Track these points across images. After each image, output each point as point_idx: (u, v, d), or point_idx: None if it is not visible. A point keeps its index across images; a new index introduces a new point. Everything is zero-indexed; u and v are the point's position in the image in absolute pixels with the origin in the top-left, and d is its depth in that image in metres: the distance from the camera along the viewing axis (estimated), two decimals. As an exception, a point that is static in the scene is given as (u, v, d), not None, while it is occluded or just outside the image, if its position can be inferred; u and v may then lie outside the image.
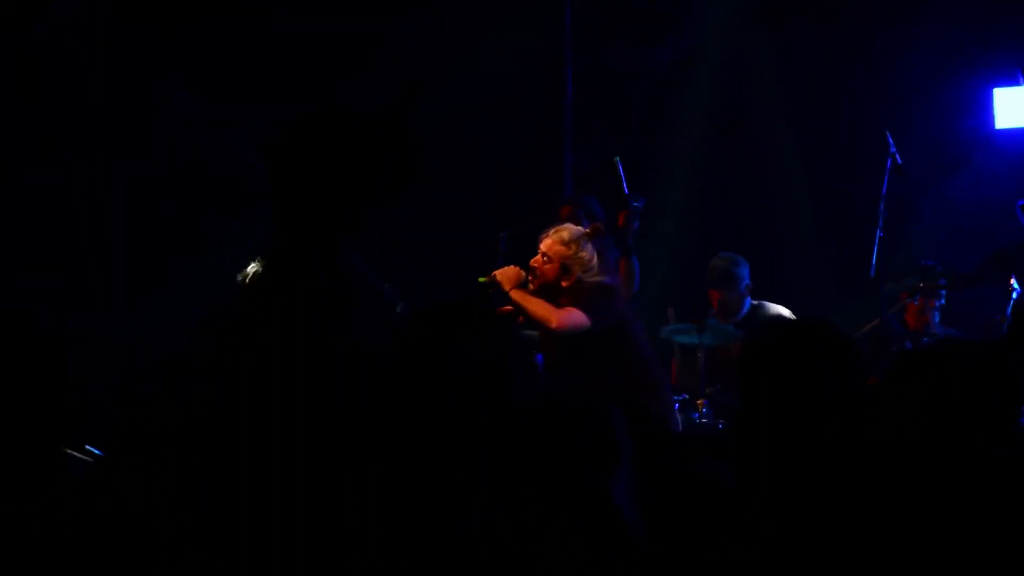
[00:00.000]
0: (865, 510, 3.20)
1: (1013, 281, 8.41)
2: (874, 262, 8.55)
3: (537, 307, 6.88)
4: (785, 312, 8.80)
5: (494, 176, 10.28)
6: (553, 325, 6.83)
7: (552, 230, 7.10)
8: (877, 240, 8.55)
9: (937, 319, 8.92)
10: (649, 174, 10.15)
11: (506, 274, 7.00)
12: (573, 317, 6.84)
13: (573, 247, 7.02)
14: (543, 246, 7.05)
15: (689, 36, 10.75)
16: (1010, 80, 9.32)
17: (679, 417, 8.13)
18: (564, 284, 6.98)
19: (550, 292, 6.98)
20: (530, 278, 7.01)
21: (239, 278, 3.64)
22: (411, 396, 3.41)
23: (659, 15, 10.66)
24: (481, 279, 7.08)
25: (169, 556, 3.23)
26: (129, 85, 9.62)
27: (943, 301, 8.89)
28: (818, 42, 10.42)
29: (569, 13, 10.27)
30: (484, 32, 10.37)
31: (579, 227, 7.23)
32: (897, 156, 8.67)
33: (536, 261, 7.02)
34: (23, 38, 9.31)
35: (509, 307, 7.00)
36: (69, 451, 3.69)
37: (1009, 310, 8.40)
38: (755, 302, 8.89)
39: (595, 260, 7.06)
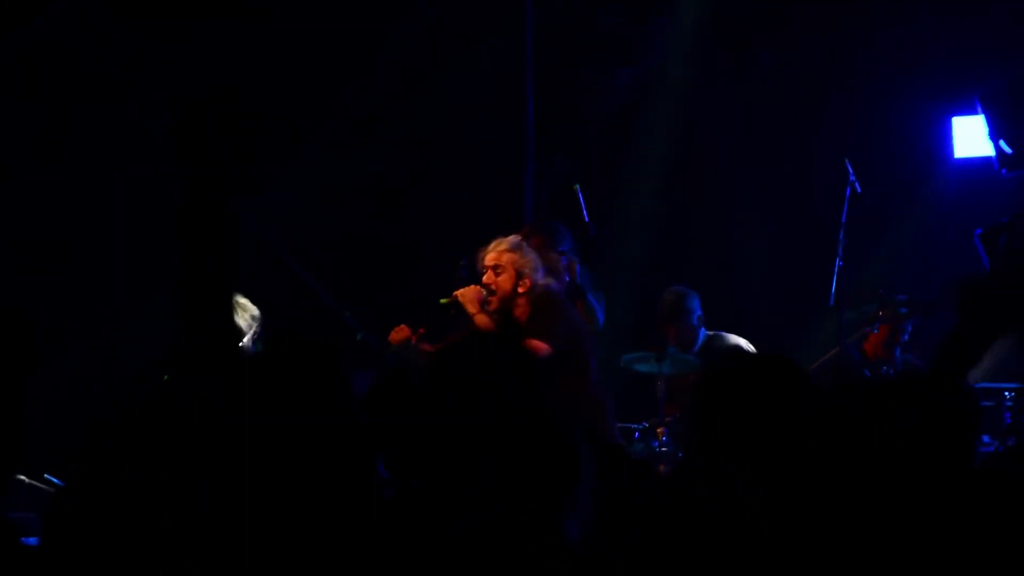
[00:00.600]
0: (816, 538, 3.19)
1: (972, 310, 8.43)
2: (833, 290, 8.55)
3: None
4: (742, 342, 8.81)
5: (454, 200, 10.24)
6: None
7: (491, 245, 7.05)
8: (836, 268, 8.55)
9: (899, 350, 8.93)
10: (609, 199, 10.15)
11: (467, 295, 6.98)
12: (536, 351, 6.79)
13: (519, 251, 7.05)
14: (489, 259, 7.04)
15: (650, 60, 10.76)
16: (968, 109, 9.34)
17: (636, 446, 8.13)
18: (521, 290, 6.96)
19: (509, 303, 6.94)
20: (488, 299, 6.96)
21: None
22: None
23: (620, 39, 10.66)
24: (443, 300, 7.05)
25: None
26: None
27: (907, 334, 8.89)
28: (777, 69, 10.44)
29: (530, 36, 10.25)
30: (446, 55, 10.34)
31: (516, 237, 7.21)
32: (856, 184, 8.69)
33: (488, 277, 6.99)
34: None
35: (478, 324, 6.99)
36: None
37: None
38: (711, 332, 8.89)
39: (538, 259, 7.08)
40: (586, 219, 8.85)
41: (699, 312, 8.86)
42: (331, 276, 9.55)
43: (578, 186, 8.92)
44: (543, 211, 9.56)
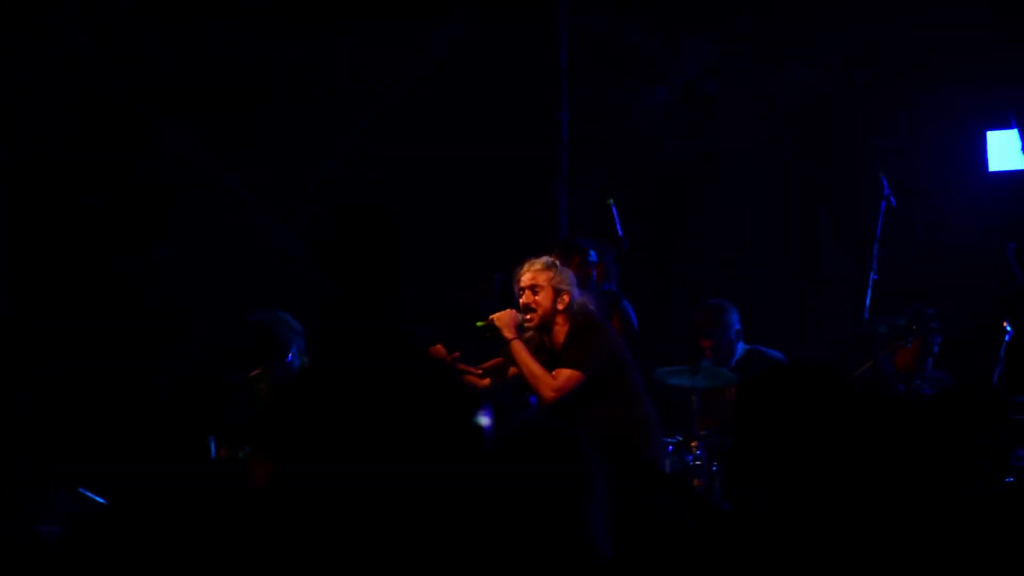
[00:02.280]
0: (857, 556, 3.20)
1: (1006, 324, 8.43)
2: (868, 304, 8.55)
3: (535, 369, 6.90)
4: (779, 357, 8.81)
5: (488, 217, 10.29)
6: (548, 398, 6.86)
7: (524, 266, 7.12)
8: (871, 282, 8.56)
9: (930, 363, 8.91)
10: (642, 215, 10.18)
11: (503, 319, 7.01)
12: (568, 383, 6.88)
13: (554, 269, 7.09)
14: (526, 280, 7.07)
15: (683, 77, 10.78)
16: (1003, 123, 9.34)
17: (670, 459, 8.14)
18: (560, 307, 7.01)
19: (550, 320, 7.01)
20: (527, 317, 7.01)
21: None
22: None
23: (652, 56, 10.69)
24: (479, 323, 7.07)
25: None
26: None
27: (936, 347, 8.88)
28: (812, 84, 10.44)
29: (564, 53, 10.31)
30: (480, 72, 10.40)
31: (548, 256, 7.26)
32: (891, 198, 8.70)
33: (527, 298, 7.02)
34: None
35: (499, 359, 7.05)
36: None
37: (1002, 352, 8.41)
38: (749, 347, 8.89)
39: (573, 279, 7.13)
40: (620, 234, 8.90)
41: (737, 326, 8.87)
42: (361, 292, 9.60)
43: (612, 201, 8.97)
44: (577, 227, 9.61)
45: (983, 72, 9.90)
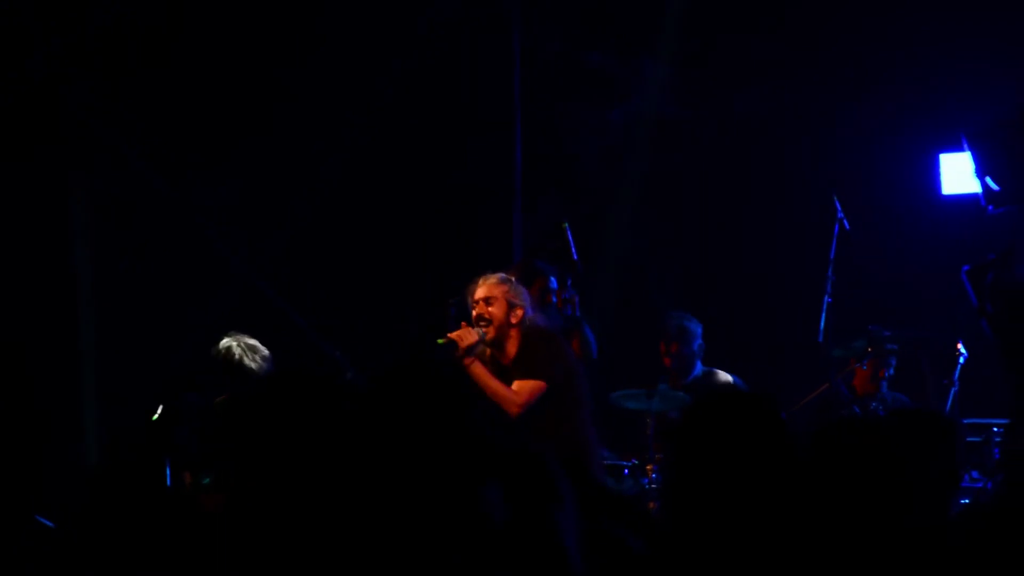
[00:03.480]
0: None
1: (960, 346, 8.47)
2: (822, 327, 8.57)
3: (497, 388, 6.93)
4: (735, 380, 8.82)
5: (443, 240, 10.26)
6: (515, 411, 6.87)
7: (479, 280, 7.15)
8: (825, 305, 8.57)
9: (885, 385, 8.94)
10: (597, 237, 10.18)
11: (463, 336, 7.02)
12: (532, 393, 6.92)
13: (508, 284, 7.15)
14: (480, 293, 7.10)
15: (638, 99, 10.79)
16: (955, 146, 9.38)
17: (626, 482, 8.13)
18: (513, 320, 7.04)
19: (504, 332, 7.02)
20: (483, 326, 7.00)
21: None
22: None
23: (607, 78, 10.70)
24: (440, 341, 7.07)
25: None
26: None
27: (892, 370, 8.92)
28: (766, 107, 10.47)
29: (517, 77, 10.31)
30: (434, 93, 10.38)
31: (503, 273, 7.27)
32: (845, 222, 8.73)
33: (480, 309, 7.04)
34: None
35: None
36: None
37: (956, 375, 8.45)
38: (706, 368, 8.91)
39: (528, 296, 7.19)
40: (575, 257, 8.89)
41: (700, 340, 8.92)
42: (320, 316, 9.57)
43: (567, 224, 8.97)
44: (532, 249, 9.59)
45: (936, 95, 9.95)
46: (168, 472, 6.57)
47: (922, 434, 4.13)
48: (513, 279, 7.23)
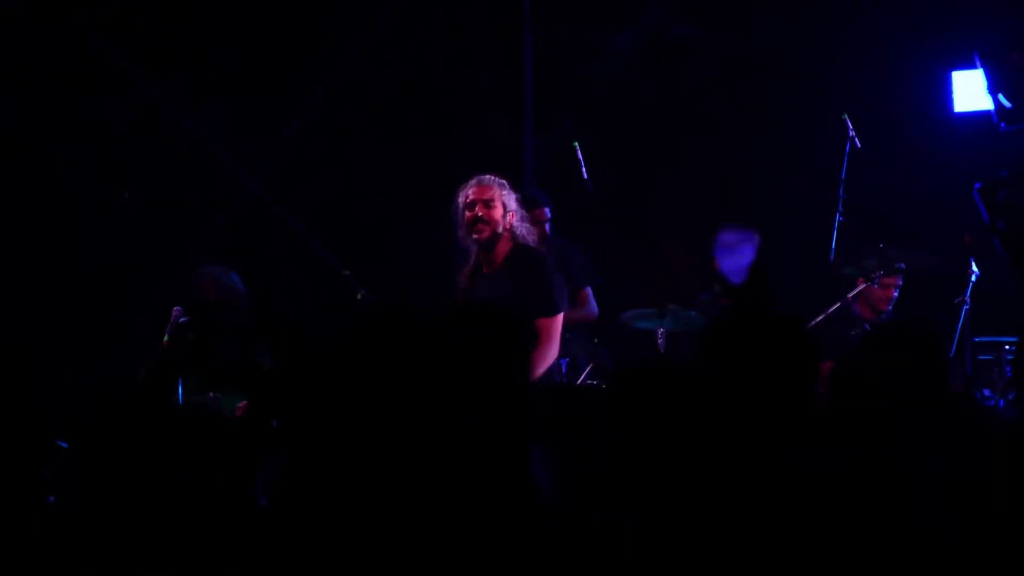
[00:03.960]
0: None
1: (972, 264, 8.46)
2: (834, 246, 8.56)
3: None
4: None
5: (452, 163, 10.25)
6: (551, 353, 6.77)
7: (472, 181, 7.00)
8: (836, 224, 8.57)
9: (891, 307, 8.95)
10: (608, 159, 10.15)
11: None
12: (555, 330, 6.78)
13: (504, 187, 6.98)
14: (477, 193, 6.92)
15: (649, 20, 10.73)
16: (968, 64, 9.33)
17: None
18: (507, 225, 6.89)
19: (496, 239, 6.89)
20: (479, 227, 6.88)
21: None
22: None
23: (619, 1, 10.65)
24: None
25: None
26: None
27: (898, 291, 8.90)
28: (776, 26, 10.41)
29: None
30: (444, 19, 10.34)
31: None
32: (856, 140, 8.70)
33: (479, 210, 6.89)
34: None
35: None
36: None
37: (968, 293, 8.45)
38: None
39: (519, 205, 7.02)
40: (585, 177, 8.88)
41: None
42: (329, 239, 9.60)
43: (577, 144, 8.95)
44: (543, 172, 9.59)
45: (947, 12, 9.88)
46: (180, 389, 6.67)
47: (907, 345, 4.09)
48: (506, 183, 7.09)
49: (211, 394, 6.76)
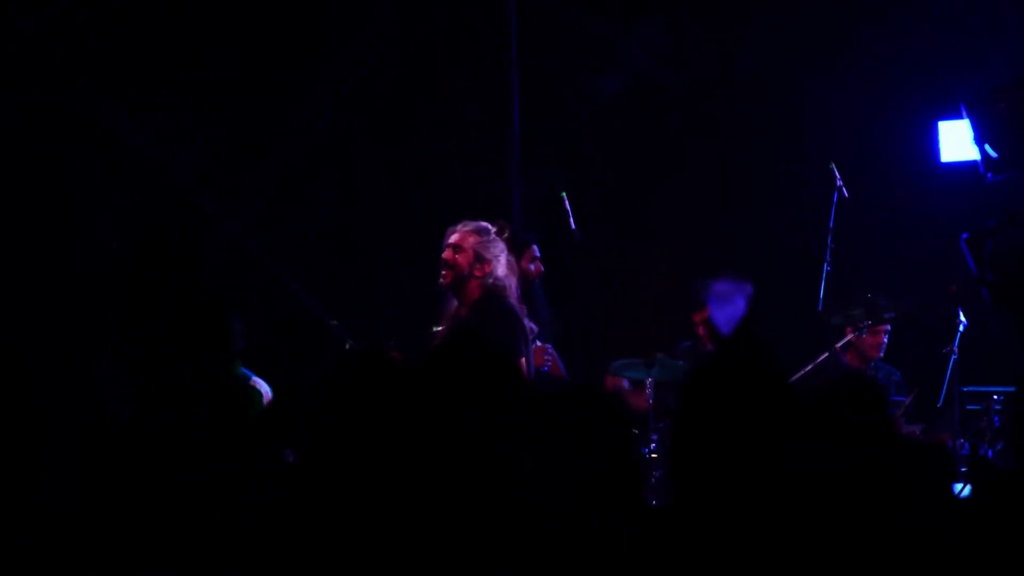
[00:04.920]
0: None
1: (960, 314, 8.46)
2: (822, 295, 8.56)
3: None
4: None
5: (441, 211, 10.25)
6: None
7: (460, 225, 6.98)
8: (824, 273, 8.57)
9: (881, 355, 8.95)
10: (595, 206, 10.16)
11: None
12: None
13: (484, 236, 6.92)
14: (452, 238, 6.91)
15: (635, 65, 10.75)
16: (954, 114, 9.36)
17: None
18: (477, 273, 6.84)
19: (461, 283, 6.85)
20: (443, 273, 6.87)
21: None
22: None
23: (604, 44, 10.67)
24: (436, 328, 6.98)
25: None
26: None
27: (886, 338, 8.90)
28: (765, 76, 10.44)
29: (514, 42, 10.26)
30: (432, 63, 10.35)
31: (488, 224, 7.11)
32: (843, 189, 8.71)
33: (447, 254, 6.88)
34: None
35: None
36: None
37: (956, 343, 8.45)
38: (715, 339, 8.87)
39: (504, 256, 6.95)
40: (572, 226, 8.89)
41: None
42: (317, 286, 9.57)
43: (565, 194, 8.96)
44: (529, 219, 9.58)
45: (934, 63, 9.92)
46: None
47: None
48: (493, 232, 7.02)
49: None
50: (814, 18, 10.32)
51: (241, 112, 9.90)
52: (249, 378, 7.42)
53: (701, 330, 8.83)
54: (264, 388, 7.45)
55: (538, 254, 8.40)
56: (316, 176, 10.21)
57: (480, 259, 6.85)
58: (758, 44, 10.46)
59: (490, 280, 6.85)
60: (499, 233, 7.15)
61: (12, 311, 8.73)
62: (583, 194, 9.43)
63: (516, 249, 8.22)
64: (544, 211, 9.43)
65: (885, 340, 8.90)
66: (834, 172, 8.79)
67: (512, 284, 6.97)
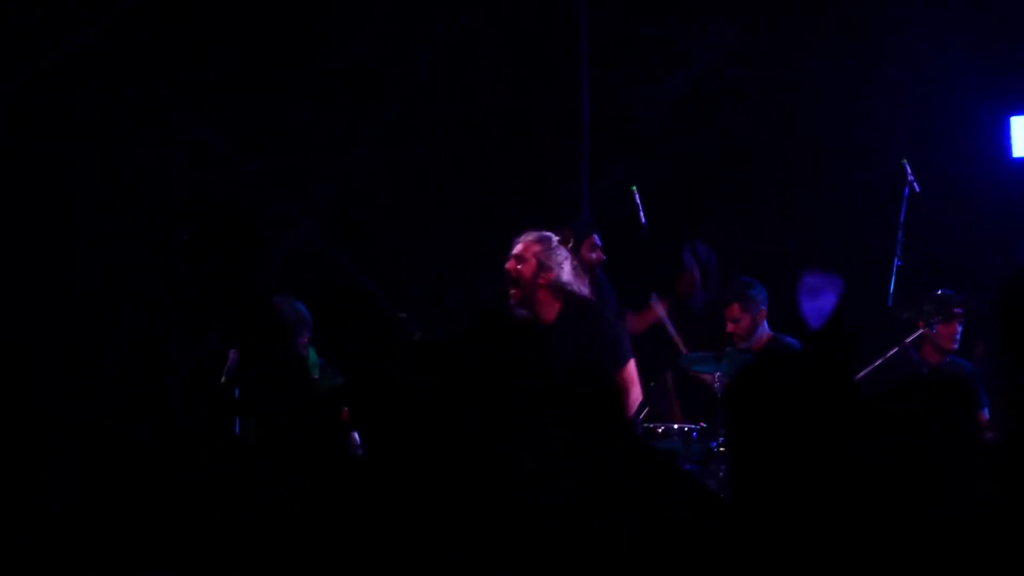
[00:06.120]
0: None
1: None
2: (892, 290, 8.52)
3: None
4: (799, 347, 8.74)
5: (511, 207, 10.30)
6: (636, 400, 6.81)
7: (523, 235, 7.00)
8: (895, 269, 8.53)
9: (957, 346, 8.88)
10: (665, 201, 10.17)
11: None
12: (632, 376, 6.81)
13: (544, 244, 6.93)
14: (515, 249, 6.93)
15: (703, 65, 10.76)
16: (1027, 108, 9.32)
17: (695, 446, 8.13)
18: (541, 282, 6.86)
19: (531, 296, 6.87)
20: (512, 291, 6.90)
21: None
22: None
23: (671, 44, 10.68)
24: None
25: None
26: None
27: (960, 334, 8.82)
28: (834, 71, 10.41)
29: (584, 43, 10.30)
30: (504, 61, 10.40)
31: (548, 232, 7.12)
32: (915, 184, 8.67)
33: (510, 266, 6.92)
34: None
35: None
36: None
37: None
38: (773, 334, 8.83)
39: (568, 263, 6.96)
40: (643, 221, 8.90)
41: (763, 307, 8.78)
42: (389, 281, 9.64)
43: (635, 188, 8.98)
44: (600, 215, 9.62)
45: (1007, 57, 9.86)
46: (237, 426, 6.71)
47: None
48: (554, 240, 7.04)
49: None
50: (884, 14, 10.28)
51: (307, 111, 9.99)
52: (327, 366, 7.51)
53: (730, 327, 8.77)
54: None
55: (599, 243, 8.43)
56: (383, 174, 10.28)
57: (543, 267, 6.88)
58: (827, 41, 10.43)
59: (556, 285, 6.88)
60: (563, 242, 7.18)
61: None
62: (650, 191, 9.44)
63: (577, 239, 8.27)
64: (611, 208, 9.46)
65: (960, 330, 8.80)
66: (905, 167, 8.74)
67: (582, 289, 7.01)
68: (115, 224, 9.52)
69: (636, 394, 6.81)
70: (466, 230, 10.33)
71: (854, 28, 10.34)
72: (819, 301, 7.67)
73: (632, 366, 6.82)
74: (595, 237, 8.44)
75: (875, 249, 9.13)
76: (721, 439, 8.17)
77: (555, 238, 7.06)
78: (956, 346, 8.80)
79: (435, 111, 10.32)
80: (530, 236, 6.98)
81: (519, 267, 6.88)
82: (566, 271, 6.92)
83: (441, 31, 10.23)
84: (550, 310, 6.89)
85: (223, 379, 7.05)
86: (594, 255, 8.34)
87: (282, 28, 9.73)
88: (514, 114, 10.53)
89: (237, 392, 6.95)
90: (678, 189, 10.67)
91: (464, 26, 10.26)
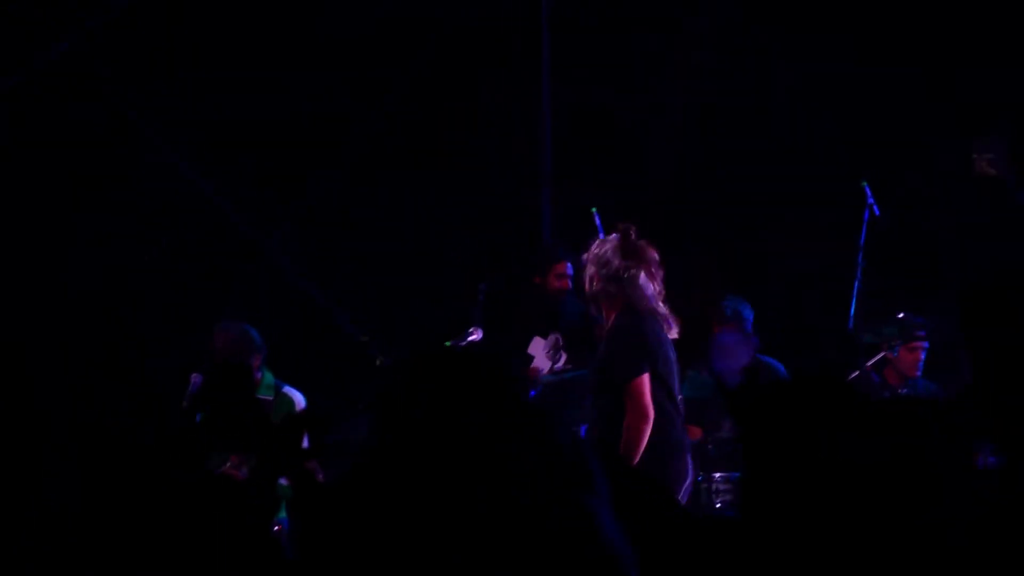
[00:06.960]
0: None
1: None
2: (852, 313, 8.52)
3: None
4: (779, 367, 8.71)
5: (471, 227, 10.27)
6: (647, 418, 6.60)
7: (591, 246, 6.86)
8: (855, 291, 8.53)
9: (920, 372, 8.88)
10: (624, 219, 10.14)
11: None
12: (639, 390, 6.62)
13: (599, 249, 6.82)
14: (585, 261, 6.82)
15: (667, 80, 10.75)
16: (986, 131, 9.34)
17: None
18: (612, 291, 6.71)
19: (598, 307, 6.79)
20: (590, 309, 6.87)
21: None
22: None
23: (637, 59, 10.66)
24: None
25: None
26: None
27: (924, 356, 8.81)
28: (796, 90, 10.41)
29: (546, 60, 10.28)
30: (463, 80, 10.37)
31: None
32: (875, 207, 8.67)
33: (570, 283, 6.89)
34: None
35: None
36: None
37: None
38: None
39: (615, 261, 6.74)
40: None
41: (749, 327, 8.76)
42: (349, 302, 9.59)
43: (595, 209, 8.95)
44: (559, 236, 9.58)
45: (965, 78, 9.88)
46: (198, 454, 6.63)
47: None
48: (610, 246, 6.81)
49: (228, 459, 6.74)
50: (845, 30, 10.29)
51: (272, 131, 9.93)
52: (281, 387, 7.48)
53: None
54: (297, 397, 7.50)
55: (570, 272, 8.36)
56: (345, 193, 10.24)
57: (591, 279, 6.76)
58: (788, 56, 10.43)
59: (603, 293, 6.74)
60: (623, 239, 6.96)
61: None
62: (611, 212, 9.42)
63: (544, 264, 8.24)
64: (574, 226, 9.42)
65: (923, 356, 8.78)
66: (866, 189, 8.75)
67: (650, 290, 6.83)
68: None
69: (637, 414, 6.53)
70: (424, 253, 10.30)
71: (816, 45, 10.35)
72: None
73: (636, 384, 6.57)
74: (567, 265, 8.38)
75: (835, 272, 9.12)
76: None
77: (603, 240, 6.93)
78: (919, 372, 8.78)
79: (395, 132, 10.28)
80: (594, 247, 6.84)
81: (583, 280, 6.84)
82: (608, 275, 6.74)
83: (407, 49, 10.21)
84: (609, 317, 6.77)
85: (184, 404, 7.02)
86: (559, 284, 8.31)
87: (243, 56, 9.70)
88: (473, 135, 10.49)
89: (199, 417, 6.90)
90: (638, 209, 10.65)
91: (432, 42, 10.24)
